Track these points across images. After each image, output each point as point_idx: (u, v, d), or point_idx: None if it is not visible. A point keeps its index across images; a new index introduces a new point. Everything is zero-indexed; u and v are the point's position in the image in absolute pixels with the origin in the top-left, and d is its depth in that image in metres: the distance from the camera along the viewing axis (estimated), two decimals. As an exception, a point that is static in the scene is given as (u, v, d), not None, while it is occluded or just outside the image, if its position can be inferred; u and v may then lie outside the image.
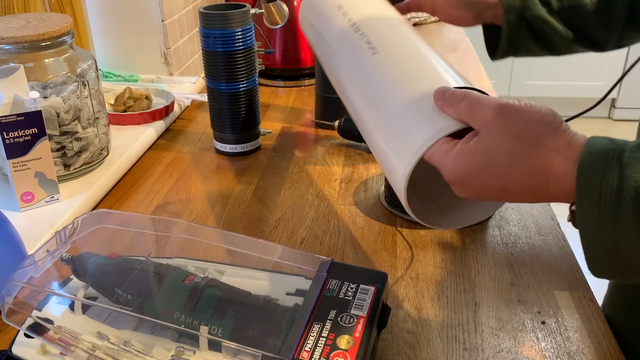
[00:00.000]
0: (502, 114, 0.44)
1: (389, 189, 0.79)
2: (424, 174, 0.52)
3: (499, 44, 0.78)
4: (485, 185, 0.45)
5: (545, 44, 0.77)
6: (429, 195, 0.54)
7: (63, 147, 0.81)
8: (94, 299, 0.57)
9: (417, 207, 0.51)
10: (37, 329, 0.51)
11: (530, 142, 0.43)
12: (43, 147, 0.74)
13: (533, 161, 0.43)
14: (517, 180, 0.44)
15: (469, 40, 1.57)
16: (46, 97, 0.77)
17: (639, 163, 0.39)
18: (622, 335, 0.62)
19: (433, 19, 1.75)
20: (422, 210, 0.51)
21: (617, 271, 0.42)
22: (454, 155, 0.45)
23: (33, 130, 0.72)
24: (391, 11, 0.68)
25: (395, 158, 0.50)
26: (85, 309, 0.56)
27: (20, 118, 0.71)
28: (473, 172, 0.45)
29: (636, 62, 0.55)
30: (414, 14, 1.73)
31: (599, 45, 0.77)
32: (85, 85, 0.81)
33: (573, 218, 0.43)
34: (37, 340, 0.52)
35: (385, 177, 0.80)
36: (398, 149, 0.50)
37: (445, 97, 0.48)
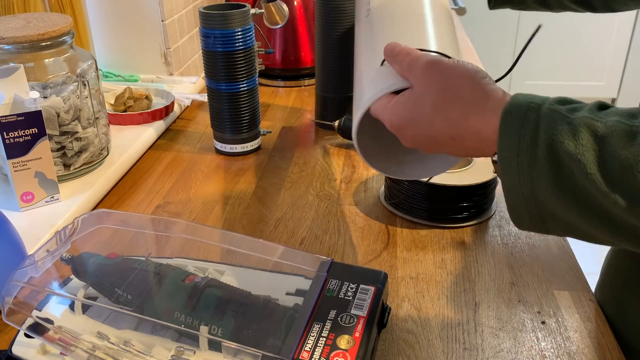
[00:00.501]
0: (429, 69, 0.48)
1: (389, 188, 0.79)
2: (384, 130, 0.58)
3: None
4: (417, 135, 0.49)
5: None
6: (390, 149, 0.60)
7: (63, 147, 0.81)
8: (94, 299, 0.57)
9: (380, 160, 0.58)
10: (37, 329, 0.51)
11: (450, 94, 0.47)
12: (43, 147, 0.74)
13: (452, 112, 0.47)
14: (441, 131, 0.48)
15: (468, 40, 1.57)
16: (46, 97, 0.77)
17: (555, 114, 0.42)
18: (612, 321, 0.63)
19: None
20: (384, 163, 0.59)
21: (536, 221, 0.45)
22: (390, 107, 0.50)
23: (33, 130, 0.72)
24: None
25: (354, 112, 0.57)
26: (85, 309, 0.56)
27: (20, 118, 0.71)
28: (403, 122, 0.49)
29: (532, 36, 0.57)
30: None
31: (589, 4, 0.77)
32: (85, 85, 0.81)
33: (496, 168, 0.46)
34: (37, 340, 0.52)
35: (386, 177, 0.80)
36: (356, 104, 0.57)
37: (392, 54, 0.52)
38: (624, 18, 3.07)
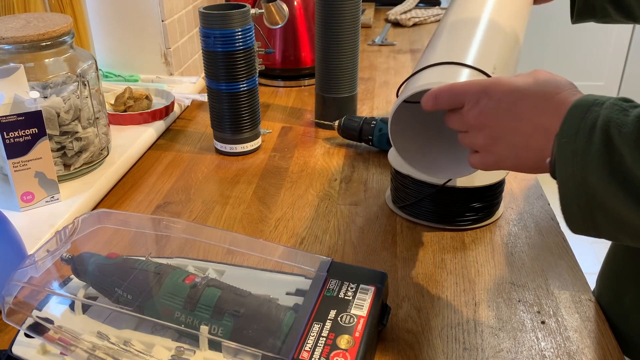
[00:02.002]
0: (534, 73, 0.52)
1: (396, 190, 0.79)
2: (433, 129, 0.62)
3: (575, 6, 0.79)
4: (500, 118, 0.51)
5: (621, 6, 0.77)
6: (422, 144, 0.64)
7: (63, 147, 0.81)
8: (94, 298, 0.57)
9: (409, 150, 0.62)
10: (37, 329, 0.52)
11: (551, 88, 0.50)
12: (43, 147, 0.74)
13: (548, 99, 0.49)
14: (525, 117, 0.49)
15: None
16: (46, 97, 0.77)
17: (616, 106, 0.44)
18: (609, 312, 0.63)
19: (433, 18, 1.75)
20: (411, 155, 0.62)
21: (587, 217, 0.46)
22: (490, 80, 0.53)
23: (33, 130, 0.72)
24: None
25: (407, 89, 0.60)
26: (85, 308, 0.56)
27: (21, 118, 0.71)
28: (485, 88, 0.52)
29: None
30: (414, 14, 1.73)
31: None
32: (85, 85, 0.81)
33: (551, 169, 0.47)
34: (37, 340, 0.52)
35: (391, 179, 0.80)
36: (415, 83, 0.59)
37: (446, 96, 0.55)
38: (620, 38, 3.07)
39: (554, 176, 0.47)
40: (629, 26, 3.06)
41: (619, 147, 0.43)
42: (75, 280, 0.59)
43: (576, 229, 0.48)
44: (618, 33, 3.05)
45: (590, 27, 3.03)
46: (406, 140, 0.62)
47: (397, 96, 0.60)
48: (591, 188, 0.44)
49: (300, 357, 0.48)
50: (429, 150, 0.64)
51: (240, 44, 0.88)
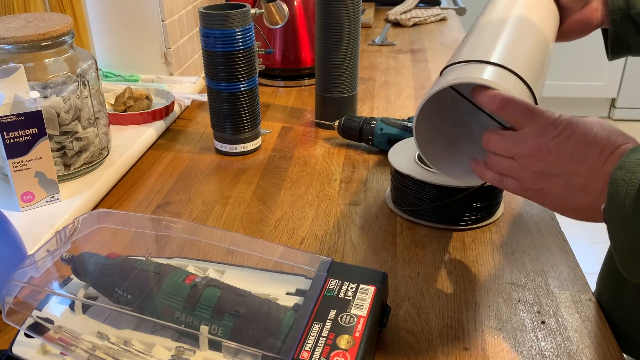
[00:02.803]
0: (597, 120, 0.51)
1: (396, 189, 0.79)
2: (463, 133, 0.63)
3: (608, 44, 0.78)
4: (556, 146, 0.50)
5: None
6: (449, 147, 0.63)
7: (63, 147, 0.81)
8: (94, 298, 0.57)
9: (429, 146, 0.61)
10: (37, 329, 0.52)
11: (617, 136, 0.49)
12: (43, 147, 0.74)
13: (614, 147, 0.48)
14: (589, 161, 0.48)
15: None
16: (46, 97, 0.77)
17: None
18: (609, 312, 0.63)
19: (433, 18, 1.75)
20: (432, 151, 0.61)
21: None
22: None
23: (33, 130, 0.72)
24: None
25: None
26: (85, 308, 0.56)
27: (21, 118, 0.71)
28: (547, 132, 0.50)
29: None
30: (414, 14, 1.73)
31: None
32: (85, 85, 0.81)
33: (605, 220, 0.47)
34: (37, 340, 0.52)
35: (392, 179, 0.80)
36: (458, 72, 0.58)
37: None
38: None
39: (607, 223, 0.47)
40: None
41: None
42: (75, 280, 0.59)
43: (634, 277, 0.48)
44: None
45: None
46: (429, 139, 0.62)
47: (440, 74, 0.59)
48: None
49: (300, 357, 0.48)
50: (450, 150, 0.64)
51: (240, 44, 0.88)
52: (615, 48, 0.78)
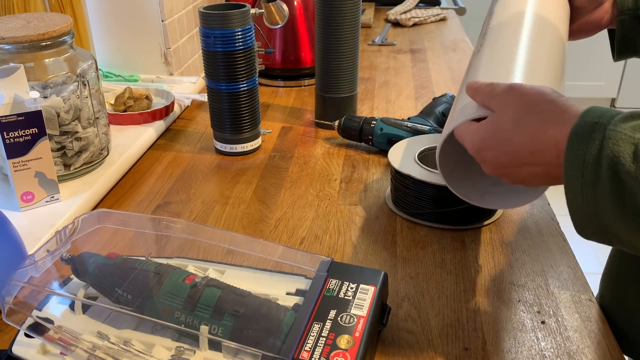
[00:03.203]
0: (509, 92, 0.51)
1: (396, 190, 0.79)
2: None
3: (615, 44, 0.78)
4: (497, 154, 0.51)
5: None
6: (475, 178, 0.63)
7: (63, 147, 0.81)
8: (94, 298, 0.57)
9: (463, 187, 0.61)
10: (37, 329, 0.52)
11: (528, 110, 0.49)
12: (43, 147, 0.74)
13: (530, 126, 0.48)
14: (521, 145, 0.49)
15: (468, 40, 1.57)
16: (46, 97, 0.77)
17: (619, 134, 0.42)
18: (611, 312, 0.63)
19: (433, 18, 1.75)
20: (466, 189, 0.61)
21: (601, 236, 0.46)
22: (472, 129, 0.53)
23: (33, 130, 0.72)
24: (534, 10, 0.70)
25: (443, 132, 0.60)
26: (85, 308, 0.56)
27: (21, 118, 0.71)
28: (484, 141, 0.51)
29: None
30: (414, 14, 1.73)
31: None
32: (85, 85, 0.81)
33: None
34: (37, 340, 0.52)
35: (392, 179, 0.80)
36: (446, 126, 0.60)
37: (473, 88, 0.56)
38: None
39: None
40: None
41: (629, 185, 0.41)
42: (75, 280, 0.59)
43: (589, 239, 0.48)
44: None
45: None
46: (459, 171, 0.62)
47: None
48: (603, 221, 0.44)
49: (300, 357, 0.48)
50: (479, 179, 0.63)
51: (240, 44, 0.88)
52: (622, 49, 0.77)
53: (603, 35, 0.82)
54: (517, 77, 0.58)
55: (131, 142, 0.94)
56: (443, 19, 1.77)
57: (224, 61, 0.89)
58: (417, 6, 1.80)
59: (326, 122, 1.02)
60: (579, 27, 0.77)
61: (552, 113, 0.48)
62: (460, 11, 1.85)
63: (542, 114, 0.48)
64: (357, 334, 0.50)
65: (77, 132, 0.81)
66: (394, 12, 1.73)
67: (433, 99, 1.03)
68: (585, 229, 0.46)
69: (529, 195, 0.59)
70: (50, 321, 0.53)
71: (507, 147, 0.50)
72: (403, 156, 0.79)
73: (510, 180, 0.52)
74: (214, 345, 0.51)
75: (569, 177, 0.44)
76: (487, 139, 0.51)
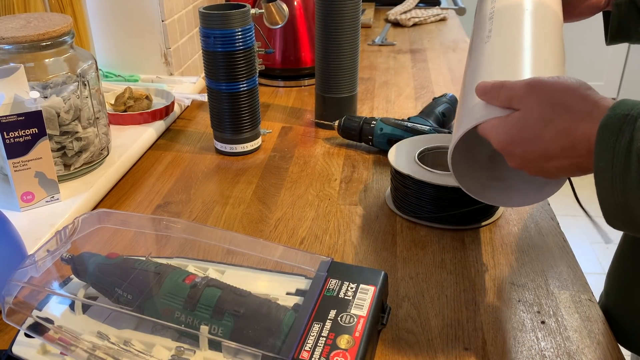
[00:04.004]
0: (532, 87, 0.51)
1: (396, 190, 0.79)
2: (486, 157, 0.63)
3: (609, 28, 0.78)
4: (526, 151, 0.51)
5: None
6: (478, 171, 0.63)
7: (63, 147, 0.81)
8: (94, 298, 0.57)
9: (466, 180, 0.61)
10: (38, 329, 0.52)
11: (558, 107, 0.49)
12: (43, 147, 0.74)
13: (561, 123, 0.48)
14: (552, 143, 0.49)
15: (468, 40, 1.57)
16: (46, 97, 0.77)
17: None
18: (618, 314, 0.63)
19: (433, 18, 1.75)
20: (468, 182, 0.61)
21: (630, 226, 0.46)
22: (499, 126, 0.53)
23: (33, 130, 0.72)
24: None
25: (456, 129, 0.60)
26: (85, 308, 0.56)
27: (21, 118, 0.71)
28: (512, 138, 0.51)
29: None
30: (413, 14, 1.73)
31: None
32: (85, 85, 0.81)
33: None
34: (37, 340, 0.52)
35: (392, 179, 0.80)
36: (460, 122, 0.60)
37: (487, 93, 0.55)
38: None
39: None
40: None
41: None
42: (75, 280, 0.59)
43: (620, 229, 0.48)
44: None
45: (591, 26, 3.03)
46: (463, 164, 0.61)
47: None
48: (634, 212, 0.44)
49: (300, 357, 0.48)
50: (481, 174, 0.64)
51: (240, 44, 0.88)
52: (616, 34, 0.78)
53: (603, 35, 0.82)
54: (528, 69, 0.58)
55: (131, 142, 0.94)
56: (443, 19, 1.77)
57: (224, 61, 0.89)
58: (417, 6, 1.80)
59: (326, 122, 1.02)
60: (580, 11, 0.77)
61: (582, 109, 0.48)
62: (460, 11, 1.85)
63: (572, 111, 0.48)
64: (357, 334, 0.50)
65: (77, 132, 0.81)
66: (394, 12, 1.73)
67: (433, 99, 1.03)
68: (615, 220, 0.46)
69: (534, 196, 0.59)
70: (50, 321, 0.53)
71: (536, 144, 0.50)
72: (403, 156, 0.79)
73: (534, 172, 0.53)
74: (214, 345, 0.51)
75: (599, 169, 0.45)
76: (514, 135, 0.51)
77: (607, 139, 0.44)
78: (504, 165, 0.61)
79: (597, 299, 0.64)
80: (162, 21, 1.13)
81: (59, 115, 0.78)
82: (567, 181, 0.59)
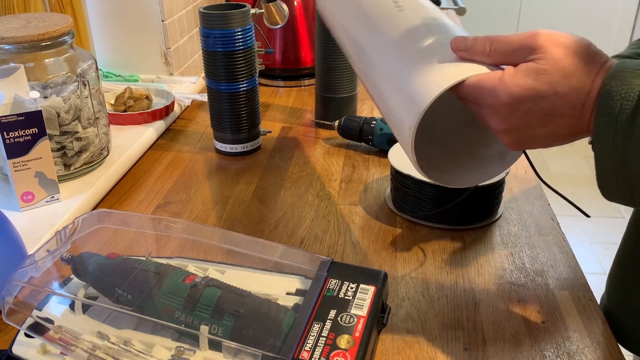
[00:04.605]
0: (550, 38, 0.46)
1: (396, 190, 0.79)
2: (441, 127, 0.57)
3: None
4: (533, 108, 0.46)
5: None
6: (441, 148, 0.58)
7: (63, 147, 0.81)
8: (94, 298, 0.57)
9: (426, 161, 0.55)
10: (38, 329, 0.52)
11: (578, 60, 0.45)
12: (43, 147, 0.74)
13: (578, 78, 0.45)
14: (563, 98, 0.45)
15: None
16: (46, 97, 0.77)
17: None
18: (620, 314, 0.63)
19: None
20: (429, 166, 0.55)
21: (624, 192, 0.44)
22: (510, 77, 0.46)
23: (33, 130, 0.72)
24: None
25: (418, 91, 0.51)
26: (85, 308, 0.56)
27: (21, 118, 0.71)
28: (527, 91, 0.46)
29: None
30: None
31: None
32: (85, 85, 0.82)
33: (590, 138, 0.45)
34: (37, 340, 0.52)
35: (392, 179, 0.80)
36: (429, 83, 0.50)
37: (469, 48, 0.49)
38: (625, 17, 3.07)
39: (591, 144, 0.45)
40: (630, 24, 3.06)
41: None
42: (75, 280, 0.59)
43: (610, 198, 0.46)
44: (619, 31, 3.06)
45: (590, 26, 3.03)
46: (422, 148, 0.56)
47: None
48: (632, 170, 0.42)
49: (300, 357, 0.48)
50: (441, 156, 0.60)
51: (240, 44, 0.88)
52: None
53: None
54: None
55: (131, 142, 0.94)
56: (443, 19, 1.77)
57: (224, 61, 0.89)
58: (417, 6, 1.80)
59: (326, 122, 1.02)
60: None
61: (597, 62, 0.45)
62: (460, 11, 1.85)
63: (589, 65, 0.45)
64: (357, 334, 0.50)
65: (77, 132, 0.81)
66: (394, 12, 1.73)
67: (433, 99, 1.03)
68: (609, 186, 0.44)
69: (498, 167, 0.57)
70: (50, 321, 0.53)
71: (550, 99, 0.46)
72: (403, 156, 0.79)
73: (521, 138, 0.49)
74: (214, 345, 0.51)
75: (601, 124, 0.43)
76: (529, 88, 0.46)
77: (614, 92, 0.42)
78: (452, 142, 0.59)
79: (598, 299, 0.64)
80: (162, 21, 1.13)
81: (59, 115, 0.78)
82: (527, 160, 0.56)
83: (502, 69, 0.49)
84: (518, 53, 0.47)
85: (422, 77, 0.51)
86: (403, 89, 0.53)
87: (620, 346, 0.59)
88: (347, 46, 0.67)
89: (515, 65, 0.47)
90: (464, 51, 0.49)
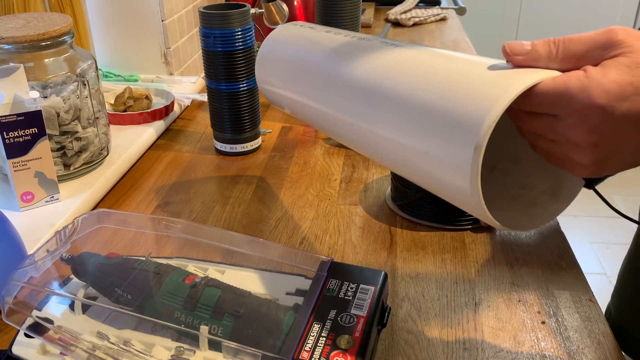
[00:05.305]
0: (628, 31, 0.41)
1: (395, 189, 0.79)
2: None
3: None
4: (630, 110, 0.40)
5: None
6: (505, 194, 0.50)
7: (63, 147, 0.81)
8: (94, 298, 0.57)
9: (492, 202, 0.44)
10: (37, 329, 0.52)
11: None
12: (43, 147, 0.74)
13: None
14: None
15: (468, 40, 1.57)
16: (46, 97, 0.77)
17: None
18: (626, 318, 0.63)
19: (433, 18, 1.75)
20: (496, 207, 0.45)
21: None
22: (599, 72, 0.40)
23: (33, 130, 0.72)
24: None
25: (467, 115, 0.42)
26: (85, 308, 0.56)
27: (20, 118, 0.71)
28: (624, 88, 0.39)
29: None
30: (413, 14, 1.73)
31: None
32: (85, 85, 0.81)
33: None
34: (37, 340, 0.52)
35: (392, 179, 0.80)
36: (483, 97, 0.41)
37: (526, 51, 0.42)
38: (625, 17, 3.07)
39: None
40: (630, 23, 3.07)
41: None
42: (75, 280, 0.59)
43: None
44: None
45: (591, 26, 3.03)
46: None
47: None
48: None
49: (300, 357, 0.48)
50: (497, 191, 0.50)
51: (240, 43, 0.88)
52: None
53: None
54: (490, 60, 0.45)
55: (131, 142, 0.94)
56: (443, 19, 1.77)
57: (224, 61, 0.89)
58: (417, 6, 1.80)
59: (326, 122, 1.02)
60: None
61: None
62: (461, 11, 1.85)
63: None
64: (357, 334, 0.50)
65: (77, 132, 0.81)
66: (394, 12, 1.73)
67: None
68: None
69: (553, 205, 0.49)
70: (50, 321, 0.53)
71: None
72: None
73: (602, 155, 0.42)
74: (214, 345, 0.51)
75: None
76: (626, 84, 0.39)
77: None
78: (509, 176, 0.50)
79: (598, 299, 0.64)
80: (162, 21, 1.13)
81: (58, 115, 0.78)
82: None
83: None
84: (594, 52, 0.41)
85: (471, 96, 0.42)
86: (443, 118, 0.43)
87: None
88: (329, 121, 0.56)
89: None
90: (522, 56, 0.42)
